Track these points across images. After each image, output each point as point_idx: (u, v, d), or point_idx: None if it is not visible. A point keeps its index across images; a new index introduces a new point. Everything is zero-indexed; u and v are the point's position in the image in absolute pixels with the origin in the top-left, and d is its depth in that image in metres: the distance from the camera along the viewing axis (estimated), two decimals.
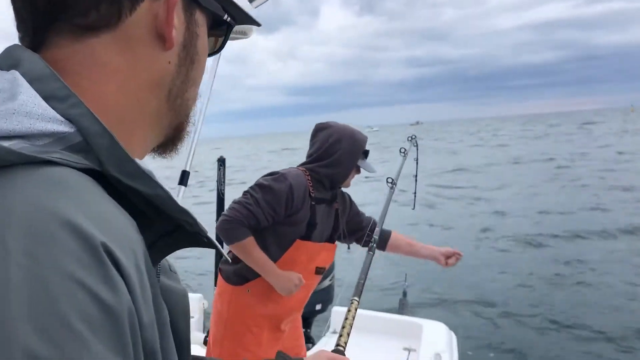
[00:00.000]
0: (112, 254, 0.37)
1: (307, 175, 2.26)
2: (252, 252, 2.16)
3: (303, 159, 2.39)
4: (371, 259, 1.32)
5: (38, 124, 0.42)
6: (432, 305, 5.76)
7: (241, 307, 2.26)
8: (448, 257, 2.43)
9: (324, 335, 3.45)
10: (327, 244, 2.35)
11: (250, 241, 2.15)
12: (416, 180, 2.48)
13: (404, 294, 2.36)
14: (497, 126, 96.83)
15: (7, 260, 0.34)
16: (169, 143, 0.59)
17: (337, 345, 0.96)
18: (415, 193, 2.66)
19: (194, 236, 0.51)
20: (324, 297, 3.70)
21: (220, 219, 2.15)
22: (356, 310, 1.07)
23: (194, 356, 0.78)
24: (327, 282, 3.81)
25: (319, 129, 2.35)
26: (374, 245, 1.37)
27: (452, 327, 3.39)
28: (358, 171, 2.35)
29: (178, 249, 0.52)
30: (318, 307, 3.45)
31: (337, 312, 3.58)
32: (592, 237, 8.92)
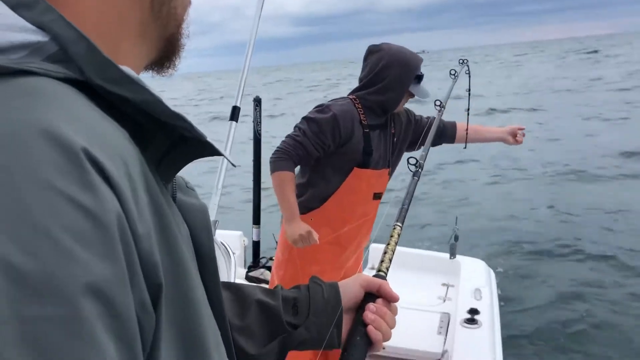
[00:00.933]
0: (96, 160, 0.35)
1: (357, 103, 2.25)
2: (285, 186, 2.18)
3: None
4: (415, 184, 1.30)
5: (8, 35, 0.39)
6: (476, 247, 5.74)
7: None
8: (514, 135, 2.51)
9: (362, 271, 3.52)
10: (384, 170, 2.36)
11: (287, 175, 2.18)
12: (469, 100, 2.34)
13: (456, 237, 2.31)
14: (513, 52, 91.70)
15: None
16: (163, 58, 0.55)
17: (379, 271, 0.95)
18: (468, 110, 2.54)
19: (200, 147, 0.49)
20: None
21: (276, 150, 2.21)
22: (399, 236, 1.05)
23: (225, 282, 0.79)
24: None
25: (371, 52, 2.30)
26: (420, 170, 1.35)
27: (492, 266, 3.41)
28: (411, 96, 2.32)
29: (187, 162, 0.50)
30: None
31: (375, 249, 3.63)
32: None
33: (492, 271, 3.26)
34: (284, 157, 2.17)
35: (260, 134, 4.12)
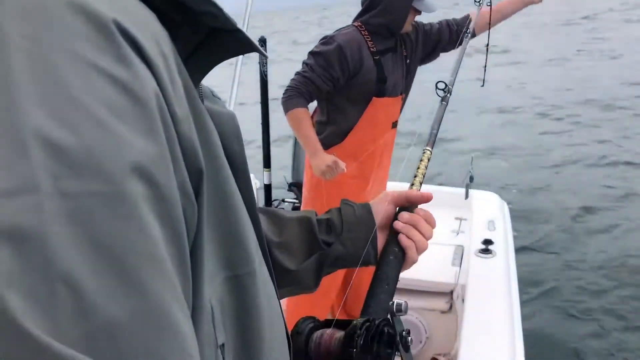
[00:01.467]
0: (128, 33, 0.32)
1: (363, 30, 2.16)
2: (301, 122, 2.15)
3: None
4: (444, 109, 1.25)
5: None
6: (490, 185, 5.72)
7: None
8: None
9: None
10: (399, 97, 2.31)
11: (301, 112, 2.14)
12: (487, 50, 2.08)
13: (471, 178, 2.25)
14: None
15: (4, 44, 0.29)
16: None
17: None
18: (485, 67, 2.27)
19: (232, 43, 0.45)
20: None
21: (286, 90, 2.17)
22: (429, 160, 1.03)
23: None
24: None
25: None
26: (448, 95, 1.29)
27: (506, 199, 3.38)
28: (418, 12, 2.21)
29: (217, 61, 0.47)
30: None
31: (390, 188, 3.61)
32: None
33: (505, 203, 3.23)
34: (295, 94, 2.12)
35: (266, 75, 4.03)
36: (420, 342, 2.47)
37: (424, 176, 0.98)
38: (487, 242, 2.54)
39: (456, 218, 3.22)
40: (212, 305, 0.39)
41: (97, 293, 0.26)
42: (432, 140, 1.09)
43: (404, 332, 0.68)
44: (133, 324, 0.27)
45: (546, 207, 5.26)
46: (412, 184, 0.96)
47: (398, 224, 0.84)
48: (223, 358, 0.40)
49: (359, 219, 0.84)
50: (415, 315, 2.46)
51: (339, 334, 0.69)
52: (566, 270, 4.15)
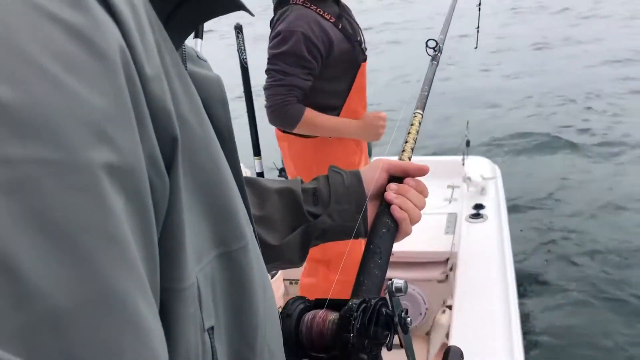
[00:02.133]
0: None
1: (310, 5, 1.96)
2: (317, 122, 1.96)
3: None
4: (435, 69, 1.19)
5: None
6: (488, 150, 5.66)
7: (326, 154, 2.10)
8: None
9: None
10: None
11: (309, 114, 1.94)
12: (479, 10, 1.98)
13: (467, 143, 2.18)
14: None
15: None
16: None
17: (399, 159, 0.90)
18: (478, 28, 2.18)
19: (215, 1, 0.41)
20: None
21: (267, 112, 1.94)
22: (419, 124, 0.98)
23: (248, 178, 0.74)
24: None
25: None
26: (439, 54, 1.23)
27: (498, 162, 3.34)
28: None
29: (200, 20, 0.43)
30: None
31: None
32: None
33: (497, 167, 3.19)
34: (285, 109, 1.90)
35: (246, 63, 3.98)
36: (420, 314, 2.45)
37: (415, 141, 0.93)
38: (478, 206, 2.51)
39: (449, 186, 3.18)
40: (200, 286, 0.35)
41: (40, 277, 0.22)
42: (424, 102, 1.03)
43: (402, 313, 0.64)
44: (84, 314, 0.23)
45: (538, 169, 5.22)
46: (403, 150, 0.91)
47: (390, 195, 0.80)
48: (211, 342, 0.37)
49: (348, 188, 0.80)
50: (412, 287, 2.44)
51: (333, 315, 0.64)
52: (562, 228, 4.12)
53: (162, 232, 0.32)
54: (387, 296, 0.66)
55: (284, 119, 1.94)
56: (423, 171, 0.84)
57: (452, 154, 3.65)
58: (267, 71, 1.95)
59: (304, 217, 0.78)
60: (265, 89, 1.95)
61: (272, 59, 1.94)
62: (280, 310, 0.60)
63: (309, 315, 0.66)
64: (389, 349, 0.63)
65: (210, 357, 0.37)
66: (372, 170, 0.82)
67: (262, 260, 0.48)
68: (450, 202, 2.99)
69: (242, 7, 0.43)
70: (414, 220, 0.80)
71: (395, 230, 0.79)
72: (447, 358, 0.66)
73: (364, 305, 0.62)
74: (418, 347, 2.44)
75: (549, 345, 2.98)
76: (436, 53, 1.24)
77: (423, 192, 0.83)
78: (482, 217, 2.42)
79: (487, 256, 2.12)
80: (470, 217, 2.44)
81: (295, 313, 0.66)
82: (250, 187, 0.78)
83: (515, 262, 2.18)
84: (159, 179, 0.31)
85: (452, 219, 2.70)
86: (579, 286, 3.43)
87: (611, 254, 3.70)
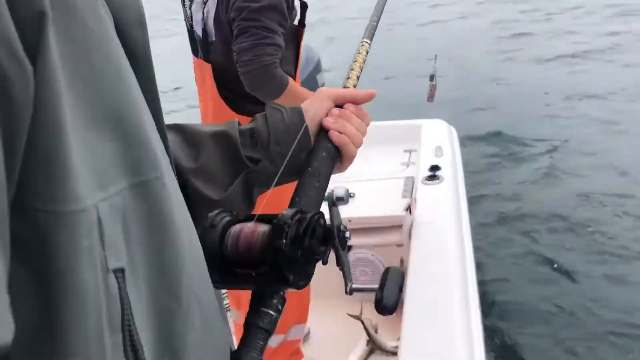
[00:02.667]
0: None
1: None
2: (298, 93, 1.70)
3: None
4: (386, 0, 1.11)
5: None
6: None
7: None
8: None
9: None
10: None
11: (292, 82, 1.72)
12: None
13: (431, 77, 2.10)
14: None
15: None
16: None
17: (344, 87, 0.84)
18: None
19: None
20: None
21: (251, 75, 1.64)
22: (367, 53, 0.92)
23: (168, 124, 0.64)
24: None
25: None
26: None
27: (455, 124, 3.31)
28: None
29: None
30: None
31: None
32: None
33: (453, 129, 3.16)
34: (274, 72, 1.63)
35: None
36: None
37: (361, 70, 0.88)
38: (434, 168, 2.47)
39: (405, 150, 3.14)
40: (102, 218, 0.32)
41: None
42: (372, 32, 0.97)
43: (341, 226, 0.59)
44: None
45: (493, 128, 5.26)
46: (348, 77, 0.85)
47: (328, 120, 0.74)
48: (120, 287, 0.33)
49: (289, 127, 0.72)
50: (371, 252, 2.40)
51: (264, 227, 0.56)
52: (515, 192, 4.17)
53: (32, 136, 0.28)
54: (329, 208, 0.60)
55: (272, 84, 1.65)
56: (370, 96, 0.79)
57: (406, 117, 3.60)
58: (242, 27, 1.66)
59: (243, 164, 0.69)
60: (247, 48, 1.64)
61: (251, 14, 1.65)
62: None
63: (235, 228, 0.57)
64: (325, 262, 0.58)
65: (119, 304, 0.33)
66: (315, 102, 0.76)
67: (184, 201, 0.43)
68: (407, 166, 2.95)
69: None
70: (357, 144, 0.75)
71: (337, 154, 0.74)
72: (387, 277, 0.62)
73: (298, 215, 0.55)
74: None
75: (505, 307, 3.02)
76: None
77: (364, 118, 0.78)
78: (438, 178, 2.38)
79: (444, 218, 2.08)
80: (426, 179, 2.40)
81: (220, 225, 0.57)
82: (182, 134, 0.69)
83: (472, 223, 2.15)
84: (15, 66, 0.26)
85: (409, 183, 2.66)
86: (531, 247, 3.49)
87: (561, 217, 3.77)
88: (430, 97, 2.75)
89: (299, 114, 0.73)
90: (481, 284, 1.78)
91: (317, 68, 3.65)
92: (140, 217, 0.36)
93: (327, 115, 0.75)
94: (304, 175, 0.70)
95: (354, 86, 0.85)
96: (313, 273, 0.58)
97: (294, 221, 0.54)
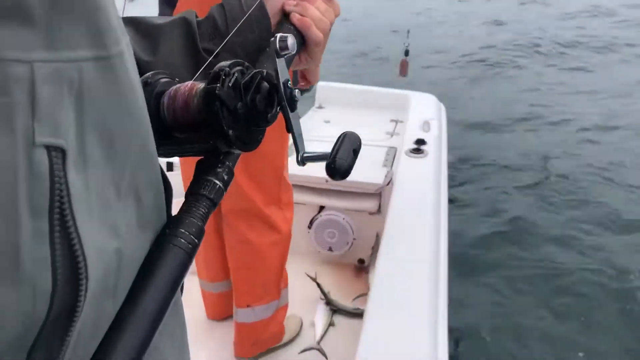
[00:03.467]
0: None
1: None
2: None
3: None
4: None
5: None
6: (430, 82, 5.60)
7: None
8: None
9: (310, 110, 3.35)
10: None
11: None
12: None
13: (406, 52, 2.06)
14: None
15: None
16: None
17: None
18: None
19: None
20: None
21: None
22: None
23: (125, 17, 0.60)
24: None
25: None
26: None
27: (443, 99, 3.27)
28: None
29: None
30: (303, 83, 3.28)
31: (323, 87, 3.41)
32: None
33: (442, 105, 3.12)
34: None
35: None
36: (347, 243, 2.40)
37: None
38: (420, 142, 2.43)
39: (392, 120, 3.10)
40: (37, 81, 0.28)
41: None
42: None
43: (288, 83, 0.52)
44: None
45: (484, 113, 5.25)
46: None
47: (289, 3, 0.68)
48: (51, 165, 0.29)
49: (247, 13, 0.66)
50: (342, 215, 2.37)
51: (202, 84, 0.49)
52: (501, 172, 4.20)
53: None
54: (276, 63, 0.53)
55: None
56: None
57: (396, 86, 3.54)
58: None
59: (201, 57, 0.63)
60: None
61: None
62: None
63: (172, 87, 0.51)
64: (269, 122, 0.51)
65: (47, 186, 0.29)
66: None
67: (143, 91, 0.39)
68: (392, 135, 2.91)
69: None
70: (321, 28, 0.68)
71: (300, 39, 0.67)
72: (343, 140, 0.55)
73: (240, 67, 0.49)
74: (346, 277, 2.42)
75: (472, 278, 3.07)
76: None
77: (332, 4, 0.71)
78: (422, 152, 2.35)
79: (423, 192, 2.06)
80: (410, 152, 2.36)
81: (156, 83, 0.51)
82: (136, 26, 0.62)
83: (450, 198, 2.14)
84: None
85: (392, 153, 2.62)
86: (503, 229, 3.54)
87: (540, 196, 3.85)
88: (403, 72, 2.68)
89: (259, 1, 0.67)
90: (452, 261, 1.77)
91: None
92: (98, 97, 0.32)
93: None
94: (261, 55, 0.64)
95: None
96: (262, 137, 0.52)
97: (234, 71, 0.48)
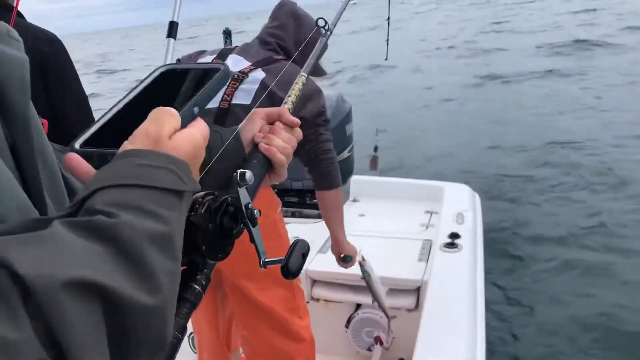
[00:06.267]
0: None
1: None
2: (342, 199, 1.86)
3: None
4: (323, 43, 1.29)
5: None
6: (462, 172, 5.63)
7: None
8: None
9: (344, 203, 3.40)
10: None
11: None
12: (389, 22, 1.96)
13: (375, 149, 2.17)
14: None
15: None
16: None
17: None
18: (387, 40, 2.13)
19: None
20: (343, 169, 3.61)
21: (329, 160, 1.73)
22: (303, 84, 1.05)
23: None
24: (346, 154, 3.71)
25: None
26: (328, 33, 1.31)
27: (475, 188, 3.28)
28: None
29: None
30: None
31: (357, 181, 3.50)
32: None
33: (477, 195, 3.13)
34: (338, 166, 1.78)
35: None
36: (387, 342, 2.36)
37: (297, 97, 1.00)
38: (454, 235, 2.43)
39: (426, 212, 3.11)
40: None
41: None
42: (309, 69, 1.12)
43: (249, 205, 0.65)
44: None
45: (516, 195, 5.19)
46: (285, 102, 0.96)
47: (257, 135, 0.81)
48: None
49: (225, 145, 0.78)
50: (381, 314, 2.35)
51: None
52: (538, 266, 4.05)
53: None
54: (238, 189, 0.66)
55: (337, 173, 1.79)
56: (292, 123, 0.84)
57: (430, 178, 3.58)
58: (325, 128, 1.76)
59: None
60: (327, 139, 1.75)
61: (326, 121, 1.77)
62: None
63: None
64: (235, 237, 0.64)
65: None
66: (249, 122, 0.83)
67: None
68: (427, 228, 2.91)
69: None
70: (285, 153, 0.80)
71: (268, 164, 0.79)
72: (295, 246, 0.69)
73: (210, 196, 0.61)
74: None
75: None
76: (325, 31, 1.32)
77: (293, 132, 0.83)
78: (456, 247, 2.34)
79: (458, 289, 2.03)
80: (444, 246, 2.36)
81: None
82: None
83: (487, 295, 2.10)
84: None
85: (427, 246, 2.62)
86: (547, 328, 3.36)
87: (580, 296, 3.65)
88: (374, 167, 2.77)
89: (235, 134, 0.80)
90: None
91: (347, 118, 3.72)
92: None
93: (259, 132, 0.82)
94: (233, 177, 0.71)
95: (289, 109, 0.93)
96: (231, 249, 0.64)
97: (206, 200, 0.60)
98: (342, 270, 2.13)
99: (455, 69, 12.17)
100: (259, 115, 0.84)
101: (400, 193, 3.36)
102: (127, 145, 0.48)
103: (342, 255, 1.94)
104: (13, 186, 0.42)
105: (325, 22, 1.31)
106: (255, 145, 0.80)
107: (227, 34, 4.04)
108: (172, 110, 0.53)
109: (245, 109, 1.76)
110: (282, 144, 0.80)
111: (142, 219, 0.41)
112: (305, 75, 1.08)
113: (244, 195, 0.65)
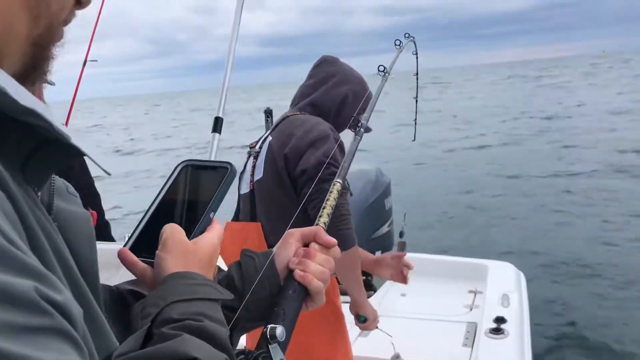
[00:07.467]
0: None
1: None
2: (359, 262, 1.80)
3: None
4: (358, 143, 1.29)
5: None
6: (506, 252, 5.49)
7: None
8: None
9: (384, 284, 3.36)
10: None
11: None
12: (417, 100, 2.02)
13: (400, 234, 2.18)
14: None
15: None
16: (29, 68, 0.46)
17: (316, 225, 0.90)
18: (415, 120, 2.18)
19: (68, 149, 0.44)
20: (383, 244, 3.58)
21: (338, 219, 1.66)
22: (338, 192, 1.01)
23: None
24: (386, 228, 3.69)
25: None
26: (361, 129, 1.32)
27: (521, 268, 3.19)
28: None
29: (57, 166, 0.47)
30: (378, 253, 3.34)
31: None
32: None
33: (522, 274, 3.04)
34: (352, 225, 1.71)
35: None
36: None
37: (332, 208, 0.95)
38: (499, 320, 2.34)
39: (470, 291, 3.04)
40: None
41: None
42: (344, 173, 1.09)
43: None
44: None
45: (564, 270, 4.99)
46: (320, 216, 0.91)
47: (292, 261, 0.77)
48: None
49: (259, 272, 0.76)
50: None
51: None
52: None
53: None
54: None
55: (350, 233, 1.73)
56: (328, 244, 0.80)
57: (472, 255, 3.51)
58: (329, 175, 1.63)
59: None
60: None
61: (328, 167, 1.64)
62: None
63: None
64: None
65: None
66: (284, 245, 0.80)
67: None
68: (471, 309, 2.83)
69: (84, 154, 0.46)
70: (321, 279, 0.76)
71: (305, 292, 0.75)
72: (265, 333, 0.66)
73: (242, 356, 0.62)
74: None
75: None
76: (359, 129, 1.33)
77: (332, 252, 0.80)
78: (502, 332, 2.26)
79: None
80: (490, 332, 2.28)
81: None
82: None
83: None
84: None
85: (472, 330, 2.53)
86: None
87: None
88: (401, 252, 2.74)
89: (270, 259, 0.77)
90: None
91: (386, 192, 3.73)
92: None
93: (294, 256, 0.78)
94: (270, 316, 0.72)
95: (325, 223, 0.89)
96: None
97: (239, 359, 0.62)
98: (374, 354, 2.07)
99: None
100: (293, 237, 0.80)
101: (443, 271, 3.30)
102: (164, 256, 0.63)
103: (358, 314, 1.89)
104: (107, 332, 0.49)
105: (358, 120, 1.32)
106: (290, 271, 0.77)
107: (268, 113, 4.19)
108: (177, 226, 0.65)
109: (261, 184, 1.78)
110: (318, 269, 0.76)
111: (209, 320, 0.56)
112: (340, 181, 1.03)
113: (275, 352, 0.64)
